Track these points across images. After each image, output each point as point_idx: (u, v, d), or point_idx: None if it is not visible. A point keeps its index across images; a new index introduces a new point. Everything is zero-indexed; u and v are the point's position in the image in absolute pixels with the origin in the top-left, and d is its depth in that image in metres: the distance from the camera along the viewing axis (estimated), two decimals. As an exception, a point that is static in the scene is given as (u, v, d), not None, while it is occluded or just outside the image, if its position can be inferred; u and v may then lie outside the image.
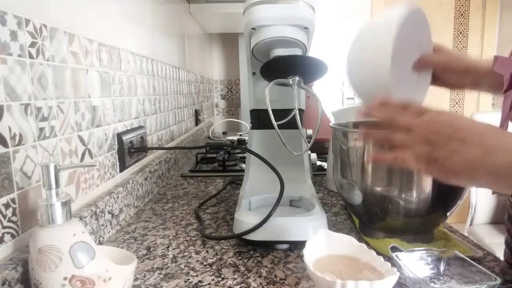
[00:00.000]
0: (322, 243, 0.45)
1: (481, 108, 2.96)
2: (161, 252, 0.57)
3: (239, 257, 0.55)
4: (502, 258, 0.58)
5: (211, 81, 2.37)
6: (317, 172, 1.05)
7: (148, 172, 0.86)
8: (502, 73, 0.50)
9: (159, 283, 0.48)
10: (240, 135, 1.91)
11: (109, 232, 0.63)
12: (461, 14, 2.82)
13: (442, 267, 0.48)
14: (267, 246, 0.58)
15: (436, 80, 0.59)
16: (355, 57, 0.52)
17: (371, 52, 0.49)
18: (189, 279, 0.49)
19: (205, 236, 0.62)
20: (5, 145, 0.41)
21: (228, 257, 0.55)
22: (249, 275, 0.49)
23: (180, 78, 1.36)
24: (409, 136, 0.39)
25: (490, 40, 2.83)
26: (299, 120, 0.64)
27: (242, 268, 0.51)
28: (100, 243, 0.59)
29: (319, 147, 1.26)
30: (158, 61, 1.05)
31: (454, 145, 0.36)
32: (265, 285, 0.47)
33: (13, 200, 0.42)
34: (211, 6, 1.61)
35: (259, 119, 0.80)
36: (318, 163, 1.10)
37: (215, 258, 0.54)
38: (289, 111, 0.62)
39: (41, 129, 0.48)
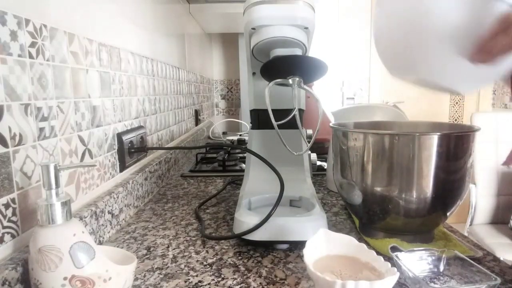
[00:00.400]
0: (322, 243, 0.45)
1: (481, 108, 2.96)
2: (161, 252, 0.57)
3: (239, 257, 0.55)
4: (502, 258, 0.58)
5: (211, 81, 2.37)
6: (317, 172, 1.05)
7: (148, 172, 0.86)
8: None
9: (159, 283, 0.48)
10: (240, 135, 1.91)
11: (109, 232, 0.63)
12: (461, 14, 2.81)
13: (442, 267, 0.48)
14: (267, 246, 0.58)
15: None
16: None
17: None
18: (189, 279, 0.49)
19: (205, 236, 0.62)
20: (5, 145, 0.41)
21: (228, 257, 0.55)
22: (249, 275, 0.49)
23: (180, 78, 1.36)
24: None
25: (490, 40, 2.82)
26: (299, 120, 0.64)
27: (242, 268, 0.51)
28: (100, 243, 0.59)
29: (319, 147, 1.26)
30: (158, 61, 1.05)
31: None
32: (265, 285, 0.47)
33: (13, 200, 0.42)
34: (211, 6, 1.61)
35: (259, 119, 0.80)
36: (318, 163, 1.10)
37: (215, 258, 0.54)
38: (289, 111, 0.62)
39: (41, 129, 0.48)
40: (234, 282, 0.48)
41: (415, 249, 0.49)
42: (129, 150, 0.77)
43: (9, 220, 0.42)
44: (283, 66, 0.60)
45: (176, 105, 1.28)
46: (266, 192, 0.68)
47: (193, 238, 0.62)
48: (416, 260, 0.48)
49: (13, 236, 0.43)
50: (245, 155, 1.09)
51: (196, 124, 1.68)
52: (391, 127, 0.68)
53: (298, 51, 0.65)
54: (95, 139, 0.64)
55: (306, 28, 0.63)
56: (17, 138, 0.43)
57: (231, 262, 0.53)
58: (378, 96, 2.87)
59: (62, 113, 0.53)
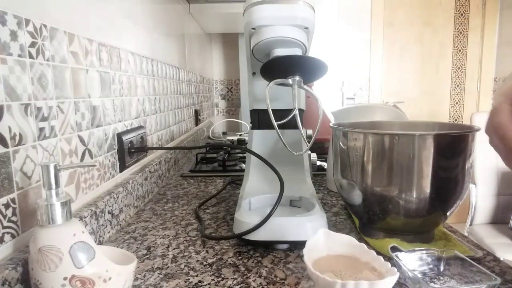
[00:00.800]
0: (322, 243, 0.45)
1: (481, 108, 2.96)
2: (161, 252, 0.57)
3: (239, 257, 0.55)
4: (502, 258, 0.58)
5: (211, 81, 2.37)
6: (317, 172, 1.05)
7: (148, 172, 0.86)
8: None
9: (159, 283, 0.48)
10: (240, 135, 1.91)
11: (109, 232, 0.63)
12: (461, 14, 2.82)
13: (442, 267, 0.48)
14: (267, 246, 0.58)
15: None
16: None
17: None
18: (189, 279, 0.49)
19: (205, 236, 0.62)
20: (5, 145, 0.41)
21: (228, 257, 0.55)
22: (249, 275, 0.49)
23: (180, 78, 1.36)
24: None
25: (490, 40, 2.83)
26: (299, 120, 0.64)
27: (242, 268, 0.51)
28: (100, 243, 0.59)
29: (319, 147, 1.26)
30: (158, 61, 1.05)
31: None
32: (265, 285, 0.47)
33: (13, 200, 0.42)
34: (211, 6, 1.61)
35: (259, 119, 0.80)
36: (318, 163, 1.10)
37: (215, 258, 0.54)
38: (289, 111, 0.62)
39: (41, 129, 0.48)
40: (234, 282, 0.48)
41: (415, 249, 0.49)
42: (129, 150, 0.77)
43: (9, 220, 0.42)
44: (283, 66, 0.60)
45: (176, 105, 1.28)
46: (266, 192, 0.68)
47: (193, 238, 0.62)
48: (416, 260, 0.48)
49: (13, 236, 0.43)
50: (245, 155, 1.09)
51: (196, 124, 1.68)
52: (391, 127, 0.68)
53: (298, 51, 0.65)
54: (95, 139, 0.64)
55: (306, 28, 0.63)
56: (17, 138, 0.43)
57: (231, 262, 0.53)
58: (378, 96, 2.87)
59: (62, 113, 0.53)
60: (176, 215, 0.73)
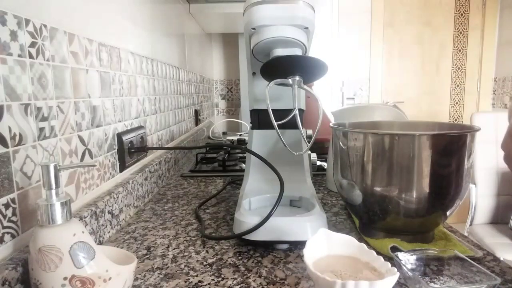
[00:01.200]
0: (322, 243, 0.45)
1: (481, 108, 2.96)
2: (161, 252, 0.57)
3: (239, 257, 0.55)
4: (502, 258, 0.58)
5: (211, 81, 2.37)
6: (317, 172, 1.05)
7: (148, 172, 0.86)
8: None
9: (159, 283, 0.48)
10: (240, 135, 1.91)
11: (109, 232, 0.63)
12: (461, 14, 2.82)
13: (442, 267, 0.48)
14: (267, 246, 0.58)
15: None
16: None
17: None
18: (189, 279, 0.49)
19: (205, 236, 0.62)
20: (5, 145, 0.41)
21: (228, 257, 0.55)
22: (249, 275, 0.49)
23: (180, 78, 1.36)
24: None
25: (490, 40, 2.83)
26: (299, 120, 0.64)
27: (242, 268, 0.51)
28: (100, 243, 0.59)
29: (319, 147, 1.26)
30: (158, 61, 1.05)
31: None
32: (265, 285, 0.47)
33: (13, 200, 0.42)
34: (211, 6, 1.61)
35: (259, 119, 0.80)
36: (318, 163, 1.10)
37: (215, 258, 0.54)
38: (289, 111, 0.62)
39: (41, 129, 0.48)
40: (234, 282, 0.48)
41: (415, 249, 0.49)
42: (129, 150, 0.77)
43: (9, 220, 0.42)
44: (283, 66, 0.60)
45: (176, 105, 1.28)
46: (266, 192, 0.68)
47: (193, 238, 0.62)
48: (416, 260, 0.48)
49: (13, 236, 0.43)
50: (245, 155, 1.09)
51: (196, 124, 1.68)
52: (391, 127, 0.68)
53: (298, 51, 0.65)
54: (95, 139, 0.64)
55: (306, 28, 0.63)
56: (17, 138, 0.43)
57: (231, 262, 0.53)
58: (378, 96, 2.87)
59: (62, 113, 0.53)
60: (176, 215, 0.73)
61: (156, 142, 1.01)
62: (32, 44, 0.47)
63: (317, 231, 0.46)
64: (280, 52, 0.64)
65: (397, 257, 0.46)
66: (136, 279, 0.49)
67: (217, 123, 2.39)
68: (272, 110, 0.58)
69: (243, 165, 1.14)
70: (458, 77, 2.89)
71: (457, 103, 2.94)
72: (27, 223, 0.45)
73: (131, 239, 0.62)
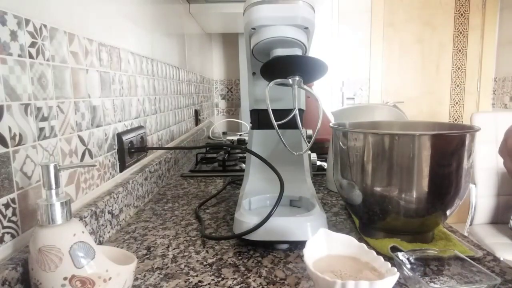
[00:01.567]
0: (322, 243, 0.45)
1: (481, 108, 2.96)
2: (161, 252, 0.57)
3: (239, 257, 0.55)
4: (502, 258, 0.58)
5: (211, 81, 2.37)
6: (317, 172, 1.05)
7: (148, 172, 0.86)
8: None
9: (159, 283, 0.48)
10: (240, 135, 1.91)
11: (109, 232, 0.63)
12: (461, 14, 2.82)
13: (442, 267, 0.48)
14: (267, 246, 0.58)
15: None
16: None
17: None
18: (189, 279, 0.49)
19: (205, 236, 0.62)
20: (5, 145, 0.41)
21: (228, 257, 0.55)
22: (249, 275, 0.49)
23: (180, 78, 1.36)
24: None
25: (490, 40, 2.83)
26: (299, 120, 0.64)
27: (242, 268, 0.51)
28: (100, 243, 0.59)
29: (319, 147, 1.26)
30: (158, 61, 1.05)
31: None
32: (265, 285, 0.47)
33: (13, 200, 0.42)
34: (211, 6, 1.61)
35: (259, 119, 0.80)
36: (318, 163, 1.10)
37: (215, 258, 0.54)
38: (289, 111, 0.62)
39: (41, 129, 0.48)
40: (234, 282, 0.48)
41: (415, 249, 0.49)
42: (129, 150, 0.77)
43: (9, 220, 0.42)
44: (283, 66, 0.60)
45: (176, 105, 1.28)
46: (266, 192, 0.68)
47: (193, 238, 0.62)
48: (416, 260, 0.48)
49: (13, 236, 0.43)
50: (245, 155, 1.09)
51: (196, 124, 1.68)
52: (391, 127, 0.68)
53: (298, 51, 0.65)
54: (95, 139, 0.64)
55: (306, 28, 0.63)
56: (17, 138, 0.43)
57: (231, 262, 0.53)
58: (378, 96, 2.87)
59: (62, 113, 0.53)
60: (176, 215, 0.73)
61: (156, 142, 1.01)
62: (32, 44, 0.47)
63: (317, 231, 0.46)
64: (280, 52, 0.64)
65: (397, 257, 0.46)
66: (136, 279, 0.49)
67: (217, 123, 2.39)
68: (272, 110, 0.58)
69: (243, 165, 1.14)
70: (458, 77, 2.89)
71: (457, 103, 2.94)
72: (27, 223, 0.45)
73: (131, 239, 0.62)
